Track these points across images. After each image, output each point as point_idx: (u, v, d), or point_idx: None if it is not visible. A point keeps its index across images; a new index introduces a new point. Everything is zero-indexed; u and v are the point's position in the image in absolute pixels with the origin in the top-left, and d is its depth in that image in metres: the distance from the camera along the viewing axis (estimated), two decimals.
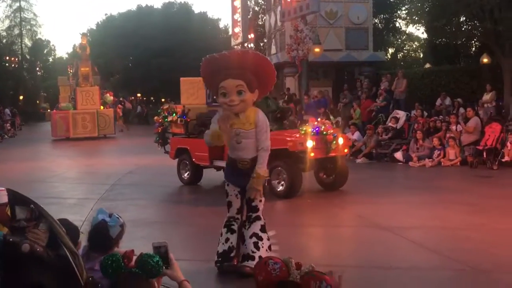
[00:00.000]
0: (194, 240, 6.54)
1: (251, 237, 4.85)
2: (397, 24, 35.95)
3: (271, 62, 5.04)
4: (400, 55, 39.96)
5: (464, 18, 19.03)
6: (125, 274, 2.19)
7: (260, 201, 4.93)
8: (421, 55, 36.69)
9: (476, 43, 25.53)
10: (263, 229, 4.91)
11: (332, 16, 24.00)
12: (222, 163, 9.48)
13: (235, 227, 5.02)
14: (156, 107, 42.15)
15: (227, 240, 4.98)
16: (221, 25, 47.39)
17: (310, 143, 8.61)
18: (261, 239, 4.85)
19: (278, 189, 8.65)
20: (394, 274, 5.01)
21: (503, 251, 5.57)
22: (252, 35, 28.58)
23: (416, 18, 20.40)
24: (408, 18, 22.33)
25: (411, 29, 51.14)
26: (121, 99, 42.99)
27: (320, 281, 2.57)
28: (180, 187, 10.12)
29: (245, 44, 29.21)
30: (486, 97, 16.11)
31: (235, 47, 31.02)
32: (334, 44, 23.56)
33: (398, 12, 32.90)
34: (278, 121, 9.60)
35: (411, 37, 39.49)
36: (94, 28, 47.25)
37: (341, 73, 25.48)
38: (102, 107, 24.08)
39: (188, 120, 10.21)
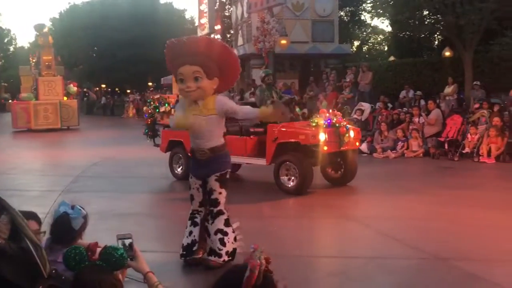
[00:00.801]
0: (161, 232, 6.51)
1: (216, 233, 4.79)
2: (363, 17, 36.40)
3: (231, 50, 4.97)
4: (365, 48, 40.46)
5: (427, 12, 19.38)
6: (88, 266, 2.18)
7: (220, 193, 4.81)
8: (386, 48, 37.21)
9: (438, 36, 26.07)
10: (227, 223, 4.85)
11: (298, 8, 24.10)
12: None
13: (198, 219, 4.98)
14: (121, 98, 41.68)
15: (190, 233, 4.96)
16: (187, 16, 47.07)
17: (322, 136, 8.12)
18: (226, 234, 4.79)
19: (289, 185, 8.21)
20: (359, 263, 5.10)
21: (464, 240, 5.73)
22: (219, 26, 28.42)
23: (381, 12, 20.65)
24: (373, 11, 22.55)
25: (376, 22, 51.74)
26: (85, 90, 42.29)
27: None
28: (147, 178, 10.03)
29: (212, 35, 29.04)
30: (448, 89, 16.49)
31: None
32: (300, 36, 23.69)
33: (363, 5, 33.26)
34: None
35: (376, 30, 40.05)
36: (57, 17, 46.23)
37: (308, 65, 25.64)
38: (65, 98, 23.58)
39: None
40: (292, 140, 8.24)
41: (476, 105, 13.51)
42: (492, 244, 5.59)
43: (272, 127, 8.44)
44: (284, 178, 8.26)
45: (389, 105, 16.55)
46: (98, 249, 2.27)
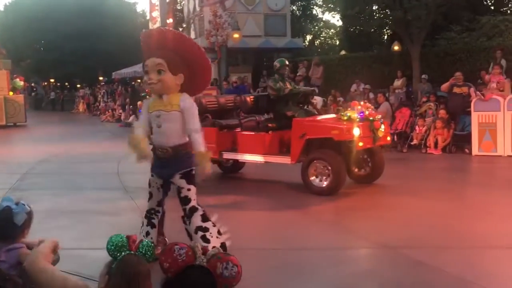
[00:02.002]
0: (111, 229, 6.41)
1: (196, 232, 4.59)
2: (314, 12, 36.76)
3: (202, 51, 4.76)
4: (317, 42, 40.88)
5: (376, 7, 19.78)
6: (132, 254, 2.51)
7: (189, 190, 4.62)
8: (337, 42, 37.72)
9: (387, 31, 26.61)
10: (204, 218, 4.64)
11: (250, 2, 24.12)
12: (234, 155, 8.72)
13: (155, 221, 4.87)
14: (71, 93, 40.68)
15: (147, 234, 4.82)
16: (138, 9, 46.32)
17: (357, 131, 7.46)
18: (206, 230, 4.60)
19: (321, 186, 7.53)
20: (308, 254, 5.18)
21: (410, 228, 5.91)
22: (171, 20, 28.11)
23: (331, 6, 20.94)
24: (324, 5, 22.85)
25: (327, 16, 52.33)
26: (32, 84, 41.07)
27: (226, 262, 2.64)
28: (97, 175, 9.85)
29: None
30: (397, 83, 16.90)
31: None
32: (253, 30, 23.72)
33: None
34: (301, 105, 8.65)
35: (327, 25, 40.51)
36: (2, 10, 44.60)
37: (260, 59, 25.74)
38: (11, 93, 22.77)
39: None
40: (324, 136, 7.52)
41: (424, 98, 13.90)
42: (437, 232, 5.79)
43: (299, 122, 7.83)
44: (314, 179, 7.57)
45: (340, 98, 16.81)
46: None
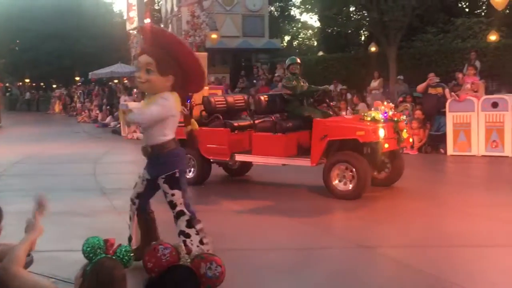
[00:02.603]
0: (88, 230, 6.34)
1: (179, 235, 4.46)
2: (292, 13, 36.88)
3: (197, 57, 4.66)
4: (295, 42, 41.02)
5: (353, 8, 19.95)
6: (108, 257, 2.52)
7: (173, 195, 4.46)
8: (315, 43, 37.91)
9: (364, 32, 26.85)
10: (189, 224, 4.47)
11: (229, 2, 24.11)
12: (248, 158, 8.22)
13: (132, 213, 4.84)
14: (47, 93, 40.10)
15: (129, 227, 4.82)
16: (115, 9, 45.89)
17: (382, 132, 7.13)
18: (188, 236, 4.41)
19: (346, 190, 7.18)
20: (285, 255, 5.19)
21: (386, 228, 5.97)
22: (148, 20, 27.90)
23: (309, 7, 21.05)
24: (301, 6, 22.96)
25: (305, 17, 52.51)
26: (7, 84, 40.39)
27: (210, 263, 2.65)
28: (73, 176, 9.73)
29: None
30: (374, 84, 17.05)
31: (130, 31, 30.18)
32: (231, 31, 23.73)
33: (293, 0, 33.73)
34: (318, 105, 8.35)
35: (305, 26, 40.68)
36: None
37: (239, 60, 25.74)
38: None
39: (194, 105, 8.33)
40: (348, 137, 7.18)
41: (400, 99, 14.05)
42: (415, 231, 5.86)
43: (321, 123, 7.49)
44: (337, 182, 7.23)
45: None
46: None
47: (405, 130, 7.56)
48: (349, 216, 6.55)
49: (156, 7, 33.40)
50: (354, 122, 7.49)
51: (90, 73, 31.32)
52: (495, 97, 11.39)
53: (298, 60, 8.68)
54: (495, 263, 4.79)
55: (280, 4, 34.75)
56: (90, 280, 2.33)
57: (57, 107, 33.75)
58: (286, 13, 36.22)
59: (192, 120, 5.06)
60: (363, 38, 27.88)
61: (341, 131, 7.28)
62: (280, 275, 4.61)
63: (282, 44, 31.07)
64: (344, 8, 19.12)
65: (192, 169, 8.42)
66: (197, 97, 8.27)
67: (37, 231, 2.93)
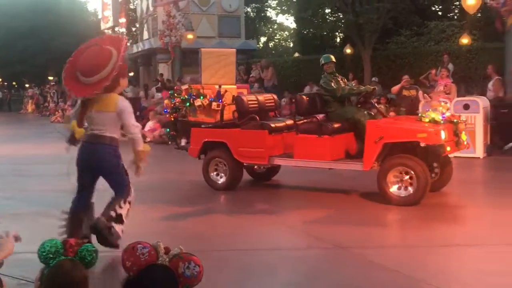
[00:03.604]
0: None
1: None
2: (268, 14, 36.97)
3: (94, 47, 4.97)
4: (271, 44, 41.13)
5: (329, 10, 20.11)
6: (67, 260, 2.37)
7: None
8: (291, 45, 38.08)
9: (340, 34, 27.06)
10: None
11: (205, 3, 24.05)
12: (289, 161, 7.69)
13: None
14: (19, 93, 39.47)
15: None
16: (90, 8, 45.40)
17: (443, 135, 6.71)
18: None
19: (406, 195, 6.71)
20: (267, 255, 5.20)
21: (366, 228, 5.99)
22: (123, 20, 27.71)
23: (285, 8, 21.16)
24: (278, 8, 23.04)
25: (281, 19, 52.67)
26: None
27: (188, 262, 2.65)
28: (45, 177, 9.57)
29: (116, 29, 28.28)
30: None
31: (105, 31, 29.88)
32: (207, 31, 23.66)
33: (269, 1, 33.81)
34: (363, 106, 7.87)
35: (281, 27, 40.82)
36: None
37: None
38: None
39: (225, 104, 7.90)
40: (408, 139, 6.73)
41: (375, 100, 14.16)
42: (390, 232, 5.94)
43: (375, 124, 7.05)
44: (395, 188, 6.75)
45: (292, 100, 16.97)
46: None
47: (463, 133, 7.20)
48: (327, 217, 6.58)
49: (132, 7, 33.17)
50: (413, 123, 7.06)
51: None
52: (466, 99, 11.57)
53: (333, 58, 8.13)
54: (469, 263, 4.88)
55: (256, 5, 34.79)
56: (48, 284, 2.27)
57: (30, 107, 33.25)
58: (262, 14, 36.29)
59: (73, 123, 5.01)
60: (338, 40, 28.10)
61: (400, 133, 6.83)
62: (258, 275, 4.62)
63: (258, 45, 31.11)
64: (320, 10, 19.26)
65: (223, 174, 7.94)
66: (227, 97, 7.91)
67: (6, 251, 2.82)
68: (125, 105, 4.90)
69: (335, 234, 5.76)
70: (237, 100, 7.95)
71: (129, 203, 5.02)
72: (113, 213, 4.85)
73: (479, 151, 10.97)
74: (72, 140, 5.04)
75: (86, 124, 4.95)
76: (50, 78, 35.83)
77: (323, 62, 8.07)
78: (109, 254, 4.81)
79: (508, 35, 12.33)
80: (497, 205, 6.91)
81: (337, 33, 27.33)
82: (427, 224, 6.14)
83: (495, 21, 12.41)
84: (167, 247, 2.64)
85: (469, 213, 6.89)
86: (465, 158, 10.79)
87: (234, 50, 9.13)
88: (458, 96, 12.22)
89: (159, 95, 17.78)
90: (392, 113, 12.50)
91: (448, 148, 6.76)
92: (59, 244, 2.40)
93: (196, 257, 2.46)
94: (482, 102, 11.21)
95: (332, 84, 7.82)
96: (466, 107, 11.13)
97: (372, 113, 7.83)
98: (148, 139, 13.89)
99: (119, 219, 4.89)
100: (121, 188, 4.98)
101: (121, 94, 5.28)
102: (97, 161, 4.92)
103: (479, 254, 5.09)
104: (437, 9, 24.79)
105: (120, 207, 4.91)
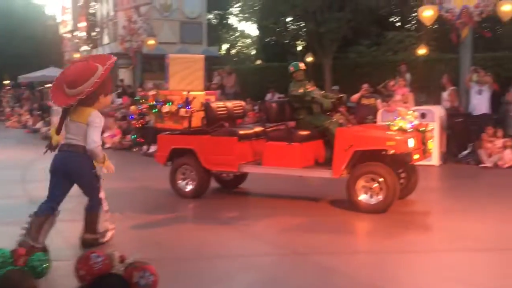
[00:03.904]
0: (14, 242, 6.07)
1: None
2: (230, 21, 37.02)
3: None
4: (233, 51, 41.18)
5: (290, 19, 20.30)
6: (16, 270, 2.29)
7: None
8: (253, 52, 38.22)
9: (301, 42, 27.34)
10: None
11: (166, 8, 23.92)
12: (258, 169, 7.62)
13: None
14: None
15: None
16: (47, 11, 44.40)
17: (411, 143, 6.76)
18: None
19: (374, 202, 6.75)
20: (221, 262, 5.18)
21: (323, 234, 6.05)
22: (84, 24, 27.26)
23: (248, 16, 21.24)
24: (240, 15, 23.12)
25: (244, 26, 52.85)
26: None
27: (143, 271, 2.61)
28: (4, 182, 9.28)
29: (75, 33, 27.81)
30: None
31: (64, 35, 29.40)
32: (168, 37, 23.53)
33: (231, 9, 33.87)
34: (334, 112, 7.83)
35: (244, 34, 40.93)
36: None
37: None
38: None
39: (194, 111, 7.82)
40: (377, 147, 6.78)
41: (342, 108, 14.32)
42: (348, 238, 6.00)
43: (345, 132, 7.09)
44: (363, 195, 6.78)
45: (255, 107, 17.03)
46: None
47: (430, 141, 7.26)
48: (293, 225, 6.59)
49: (91, 11, 32.67)
50: (382, 131, 7.09)
51: (19, 76, 30.13)
52: (423, 108, 11.84)
53: (302, 66, 8.20)
54: (426, 269, 4.94)
55: (219, 12, 34.81)
56: None
57: None
58: (225, 22, 36.31)
59: (52, 129, 5.52)
60: (299, 48, 28.37)
61: (370, 141, 6.88)
62: (213, 283, 4.59)
63: (220, 52, 31.11)
64: (281, 18, 19.41)
65: (190, 181, 7.85)
66: (196, 103, 7.81)
67: None
68: (94, 120, 5.09)
69: (296, 241, 5.78)
70: (206, 106, 7.90)
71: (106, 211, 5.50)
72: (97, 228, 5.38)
73: (435, 159, 11.22)
74: (50, 146, 5.40)
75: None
76: (6, 82, 34.88)
77: (292, 70, 8.08)
78: (63, 263, 4.69)
79: (462, 47, 12.71)
80: (459, 211, 7.11)
81: (298, 41, 27.61)
82: (392, 231, 6.20)
83: (450, 33, 12.76)
84: (123, 256, 2.60)
85: (433, 220, 7.04)
86: (422, 166, 11.02)
87: (203, 56, 9.10)
88: (416, 105, 12.49)
89: (119, 100, 17.53)
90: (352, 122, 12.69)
91: (416, 156, 6.83)
92: (7, 254, 2.32)
93: (152, 266, 2.43)
94: (438, 111, 11.50)
95: (302, 90, 7.83)
96: (423, 115, 11.37)
97: (341, 121, 7.86)
98: (107, 145, 13.65)
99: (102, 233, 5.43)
100: (92, 194, 5.33)
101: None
102: (70, 168, 5.17)
103: (440, 261, 5.14)
104: (395, 20, 25.36)
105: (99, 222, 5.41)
